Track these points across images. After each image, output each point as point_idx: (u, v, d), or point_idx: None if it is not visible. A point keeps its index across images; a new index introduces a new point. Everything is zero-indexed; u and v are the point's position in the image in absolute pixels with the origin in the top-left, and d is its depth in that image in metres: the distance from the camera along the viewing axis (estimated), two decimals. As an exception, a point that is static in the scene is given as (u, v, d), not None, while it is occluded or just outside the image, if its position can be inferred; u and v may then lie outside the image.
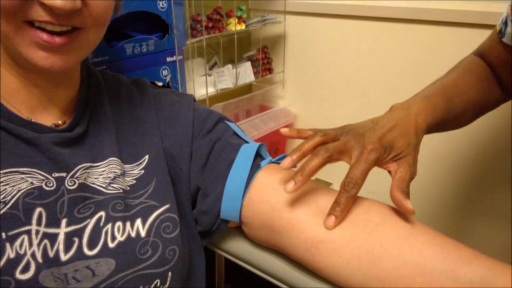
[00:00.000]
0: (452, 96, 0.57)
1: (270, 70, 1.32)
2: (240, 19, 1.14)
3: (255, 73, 1.24)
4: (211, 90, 1.12)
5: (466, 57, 0.66)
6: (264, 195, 0.48)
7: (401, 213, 0.44)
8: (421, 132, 0.50)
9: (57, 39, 0.39)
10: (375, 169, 0.47)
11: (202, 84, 1.09)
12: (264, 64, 1.28)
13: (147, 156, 0.51)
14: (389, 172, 0.47)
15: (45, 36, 0.38)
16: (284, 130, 0.51)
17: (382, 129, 0.48)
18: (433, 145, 1.09)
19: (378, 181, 0.46)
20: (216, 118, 0.55)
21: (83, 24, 0.40)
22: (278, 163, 0.53)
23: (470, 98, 0.59)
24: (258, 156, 0.52)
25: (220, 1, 1.10)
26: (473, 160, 1.07)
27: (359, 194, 0.45)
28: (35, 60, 0.39)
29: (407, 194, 0.43)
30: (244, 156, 0.50)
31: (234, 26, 1.11)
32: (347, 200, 0.43)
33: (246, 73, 1.22)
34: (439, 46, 1.04)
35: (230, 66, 1.17)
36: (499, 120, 0.98)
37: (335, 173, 0.48)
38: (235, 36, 1.17)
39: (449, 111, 0.56)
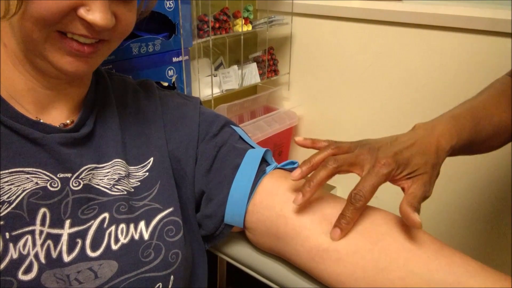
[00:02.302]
0: (481, 118, 0.54)
1: (275, 72, 1.31)
2: (247, 20, 1.13)
3: (260, 75, 1.24)
4: (216, 91, 1.11)
5: (499, 79, 0.63)
6: (269, 201, 0.48)
7: None
8: (443, 152, 0.48)
9: (86, 48, 0.41)
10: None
11: (207, 84, 1.08)
12: (270, 66, 1.28)
13: (152, 158, 0.51)
14: (403, 189, 0.46)
15: (75, 45, 0.40)
16: (299, 139, 0.50)
17: (400, 146, 0.46)
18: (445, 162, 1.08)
19: (382, 186, 0.45)
20: (222, 122, 0.55)
21: (111, 37, 0.43)
22: (284, 169, 0.52)
23: (500, 121, 0.56)
24: (264, 162, 0.52)
25: (227, 1, 1.10)
26: (482, 174, 1.06)
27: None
28: (60, 65, 0.41)
29: (416, 209, 0.42)
30: (250, 161, 0.50)
31: (241, 27, 1.11)
32: (353, 212, 0.43)
33: (251, 74, 1.21)
34: (446, 52, 1.03)
35: (235, 67, 1.17)
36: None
37: (339, 176, 0.47)
38: (242, 36, 1.17)
39: (476, 134, 0.53)
